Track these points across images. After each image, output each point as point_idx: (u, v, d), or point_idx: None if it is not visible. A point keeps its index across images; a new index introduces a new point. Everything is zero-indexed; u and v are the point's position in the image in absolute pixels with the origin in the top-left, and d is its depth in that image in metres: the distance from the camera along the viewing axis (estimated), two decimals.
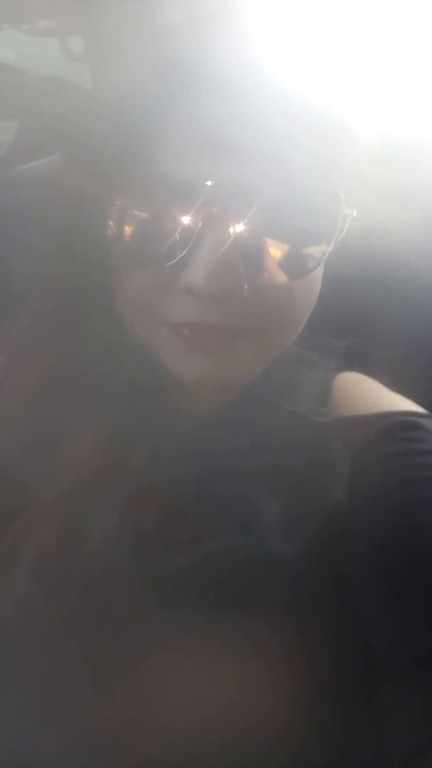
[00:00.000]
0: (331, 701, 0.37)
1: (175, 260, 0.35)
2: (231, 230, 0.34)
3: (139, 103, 0.35)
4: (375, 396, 0.46)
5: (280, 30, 0.37)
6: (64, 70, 0.57)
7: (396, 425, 0.42)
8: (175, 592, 0.37)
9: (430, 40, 0.41)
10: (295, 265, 0.36)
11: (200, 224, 0.34)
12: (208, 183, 0.33)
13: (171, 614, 0.36)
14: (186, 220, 0.34)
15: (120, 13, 0.47)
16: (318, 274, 0.39)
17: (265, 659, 0.35)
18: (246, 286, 0.35)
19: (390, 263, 0.50)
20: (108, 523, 0.37)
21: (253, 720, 0.35)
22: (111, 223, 0.36)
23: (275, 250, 0.36)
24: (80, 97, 0.52)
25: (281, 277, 0.36)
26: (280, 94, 0.35)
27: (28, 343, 0.39)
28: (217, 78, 0.34)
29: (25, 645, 0.37)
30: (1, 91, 0.56)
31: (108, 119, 0.37)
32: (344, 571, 0.38)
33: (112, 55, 0.50)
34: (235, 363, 0.38)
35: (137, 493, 0.38)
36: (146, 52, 0.38)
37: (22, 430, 0.38)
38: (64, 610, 0.36)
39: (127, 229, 0.36)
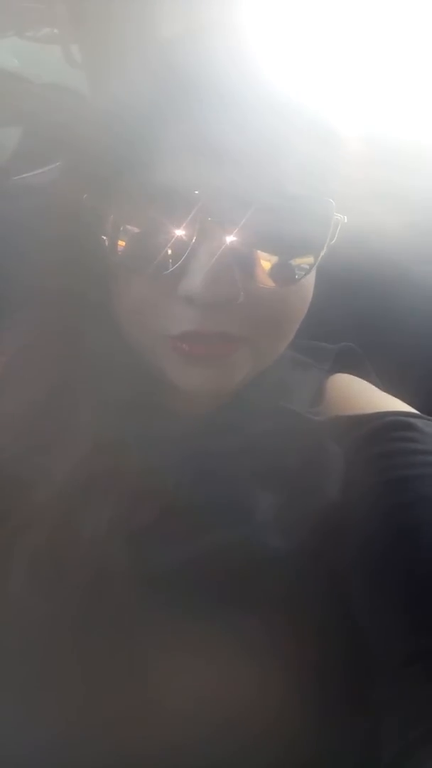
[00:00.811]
0: (326, 697, 0.37)
1: (172, 269, 0.35)
2: (227, 238, 0.35)
3: (137, 112, 0.36)
4: (367, 396, 0.47)
5: (275, 39, 0.38)
6: (65, 77, 0.57)
7: (388, 425, 0.42)
8: (170, 588, 0.37)
9: (422, 47, 0.41)
10: (288, 271, 0.37)
11: (196, 232, 0.35)
12: (204, 191, 0.34)
13: (166, 610, 0.37)
14: (182, 228, 0.35)
15: (119, 22, 0.48)
16: (310, 280, 0.40)
17: (259, 655, 0.35)
18: (242, 293, 0.35)
19: (381, 266, 0.50)
20: (102, 520, 0.38)
21: (248, 716, 0.35)
22: (108, 232, 0.36)
23: (269, 257, 0.36)
24: (81, 105, 0.53)
25: (275, 283, 0.37)
26: (275, 103, 0.35)
27: (27, 347, 0.40)
28: (214, 88, 0.35)
29: (20, 642, 0.37)
30: (4, 97, 0.57)
31: (106, 127, 0.37)
32: (338, 569, 0.39)
33: (112, 63, 0.50)
34: (232, 373, 0.39)
35: (132, 491, 0.38)
36: (144, 61, 0.39)
37: (18, 429, 0.38)
38: (60, 608, 0.37)
39: (125, 239, 0.36)
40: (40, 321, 0.40)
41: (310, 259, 0.38)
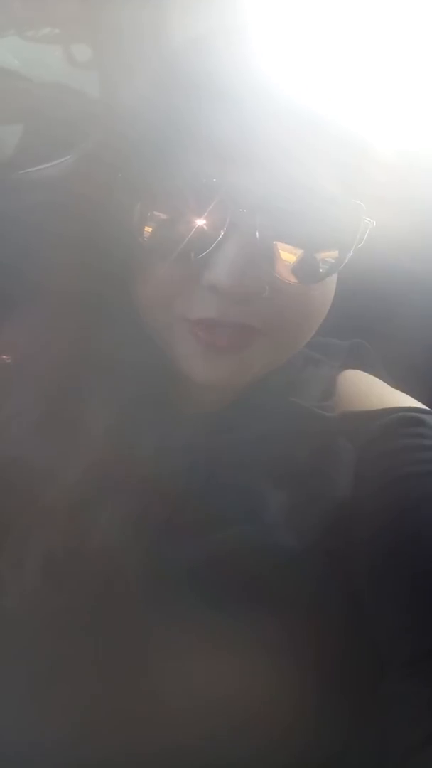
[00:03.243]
0: (336, 695, 0.37)
1: (200, 257, 0.35)
2: (256, 231, 0.35)
3: (162, 104, 0.36)
4: (378, 392, 0.47)
5: (295, 41, 0.38)
6: (66, 76, 0.57)
7: (399, 421, 0.42)
8: (182, 587, 0.37)
9: None
10: (314, 270, 0.37)
11: (226, 224, 0.35)
12: (235, 183, 0.34)
13: (178, 607, 0.37)
14: (212, 219, 0.35)
15: (126, 21, 0.48)
16: (333, 279, 0.40)
17: (271, 653, 0.35)
18: (267, 287, 0.36)
19: (392, 265, 0.51)
20: (115, 516, 0.37)
21: (260, 714, 0.35)
22: (134, 218, 0.36)
23: (296, 254, 0.36)
24: (85, 103, 0.53)
25: (301, 280, 0.37)
26: (302, 100, 0.35)
27: (38, 345, 0.39)
28: (242, 80, 0.35)
29: (31, 638, 0.37)
30: (6, 96, 0.57)
31: (130, 121, 0.37)
32: (347, 565, 0.39)
33: (116, 62, 0.50)
34: (248, 366, 0.39)
35: (144, 487, 0.38)
36: (167, 54, 0.38)
37: (30, 428, 0.38)
38: (72, 604, 0.37)
39: (152, 225, 0.36)
40: (51, 318, 0.39)
41: (336, 260, 0.38)
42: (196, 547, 0.38)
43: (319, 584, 0.38)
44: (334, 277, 0.40)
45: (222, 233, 0.35)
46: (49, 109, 0.56)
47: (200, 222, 0.35)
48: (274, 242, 0.36)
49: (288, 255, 0.36)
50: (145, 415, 0.39)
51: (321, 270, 0.38)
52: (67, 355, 0.39)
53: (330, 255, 0.38)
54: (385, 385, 0.48)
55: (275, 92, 0.35)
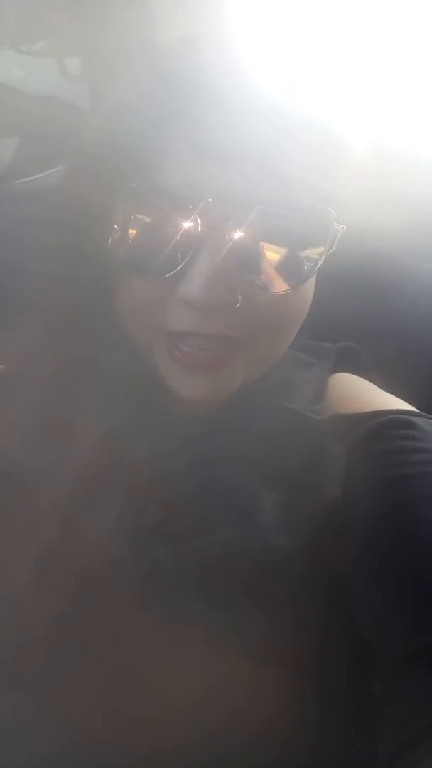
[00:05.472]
0: (326, 695, 0.37)
1: (172, 273, 0.36)
2: (227, 243, 0.35)
3: (137, 119, 0.36)
4: (368, 395, 0.47)
5: (277, 44, 0.38)
6: (61, 89, 0.58)
7: (389, 423, 0.42)
8: (176, 586, 0.38)
9: (422, 55, 0.42)
10: (287, 277, 0.38)
11: (197, 237, 0.35)
12: (205, 196, 0.34)
13: (171, 609, 0.37)
14: (183, 233, 0.35)
15: (118, 29, 0.49)
16: (310, 284, 0.40)
17: (262, 654, 0.36)
18: (240, 298, 0.36)
19: (381, 267, 0.51)
20: (109, 517, 0.38)
21: (251, 714, 0.35)
22: (110, 233, 0.37)
23: (269, 263, 0.37)
24: (77, 117, 0.53)
25: (274, 289, 0.37)
26: (276, 108, 0.36)
27: (31, 350, 0.40)
28: (213, 94, 0.35)
29: (26, 641, 0.37)
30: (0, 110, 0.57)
31: (107, 135, 0.38)
32: (338, 566, 0.39)
33: (108, 73, 0.51)
34: (230, 381, 0.39)
35: (138, 488, 0.39)
36: (144, 66, 0.39)
37: (24, 431, 0.39)
38: (66, 606, 0.37)
39: (125, 242, 0.37)
40: (44, 324, 0.40)
41: (309, 266, 0.38)
42: (191, 548, 0.39)
43: (311, 584, 0.39)
44: (311, 281, 0.40)
45: (192, 247, 0.35)
46: (41, 121, 0.56)
47: (171, 237, 0.35)
48: (245, 253, 0.36)
49: (260, 265, 0.37)
50: (138, 418, 0.40)
51: (293, 277, 0.38)
52: (58, 363, 0.40)
53: (303, 262, 0.38)
54: (376, 388, 0.48)
55: (260, 93, 0.35)
